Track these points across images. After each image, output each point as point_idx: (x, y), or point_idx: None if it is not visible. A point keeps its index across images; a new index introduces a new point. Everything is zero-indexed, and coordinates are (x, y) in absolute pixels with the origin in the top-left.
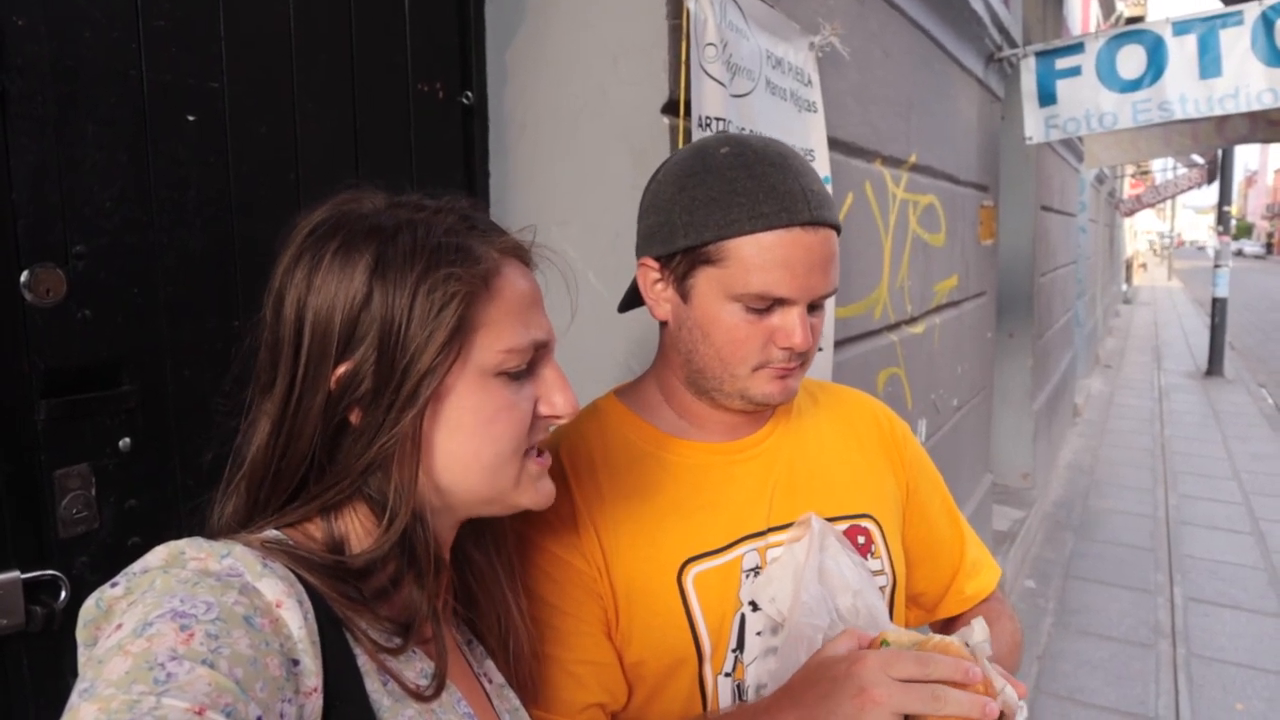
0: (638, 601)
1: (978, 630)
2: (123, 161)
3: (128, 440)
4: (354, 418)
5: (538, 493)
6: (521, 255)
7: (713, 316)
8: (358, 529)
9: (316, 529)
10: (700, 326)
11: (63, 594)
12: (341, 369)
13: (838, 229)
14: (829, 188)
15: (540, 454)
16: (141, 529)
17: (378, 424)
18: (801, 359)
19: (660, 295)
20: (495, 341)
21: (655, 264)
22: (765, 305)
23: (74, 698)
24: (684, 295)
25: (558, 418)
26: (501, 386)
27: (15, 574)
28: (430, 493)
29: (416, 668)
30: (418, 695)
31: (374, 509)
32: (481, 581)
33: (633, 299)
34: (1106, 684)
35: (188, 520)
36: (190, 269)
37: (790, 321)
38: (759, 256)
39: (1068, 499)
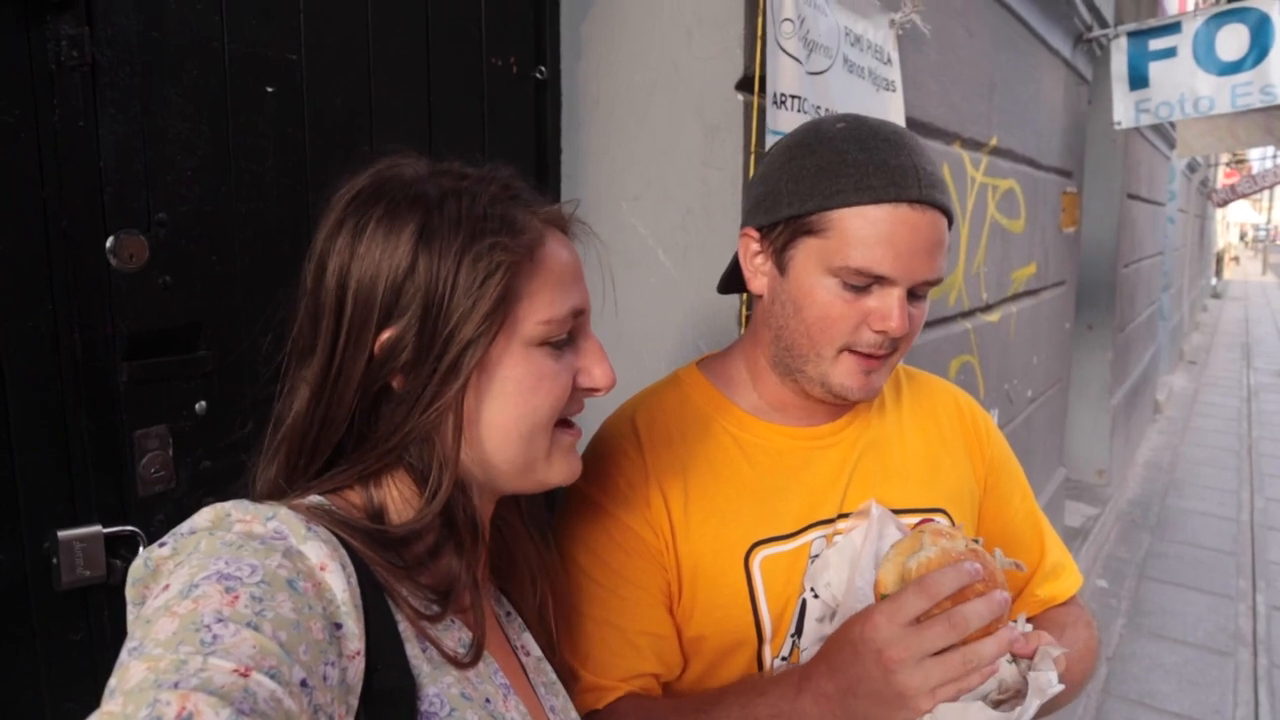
0: (703, 580)
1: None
2: (204, 132)
3: (204, 404)
4: (396, 384)
5: (568, 466)
6: (562, 225)
7: (807, 290)
8: (396, 497)
9: (356, 496)
10: (794, 300)
11: (141, 550)
12: (384, 336)
13: (950, 215)
14: None
15: (571, 426)
16: (215, 490)
17: (418, 394)
18: (893, 347)
19: (758, 268)
20: (537, 312)
21: (756, 234)
22: (864, 283)
23: (124, 655)
24: (781, 267)
25: (596, 390)
26: (543, 357)
27: (98, 528)
28: (472, 464)
29: (455, 636)
30: (456, 662)
31: (415, 478)
32: (516, 541)
33: (731, 280)
34: (1180, 690)
35: None
36: (266, 238)
37: (888, 304)
38: (862, 230)
39: (1145, 498)
